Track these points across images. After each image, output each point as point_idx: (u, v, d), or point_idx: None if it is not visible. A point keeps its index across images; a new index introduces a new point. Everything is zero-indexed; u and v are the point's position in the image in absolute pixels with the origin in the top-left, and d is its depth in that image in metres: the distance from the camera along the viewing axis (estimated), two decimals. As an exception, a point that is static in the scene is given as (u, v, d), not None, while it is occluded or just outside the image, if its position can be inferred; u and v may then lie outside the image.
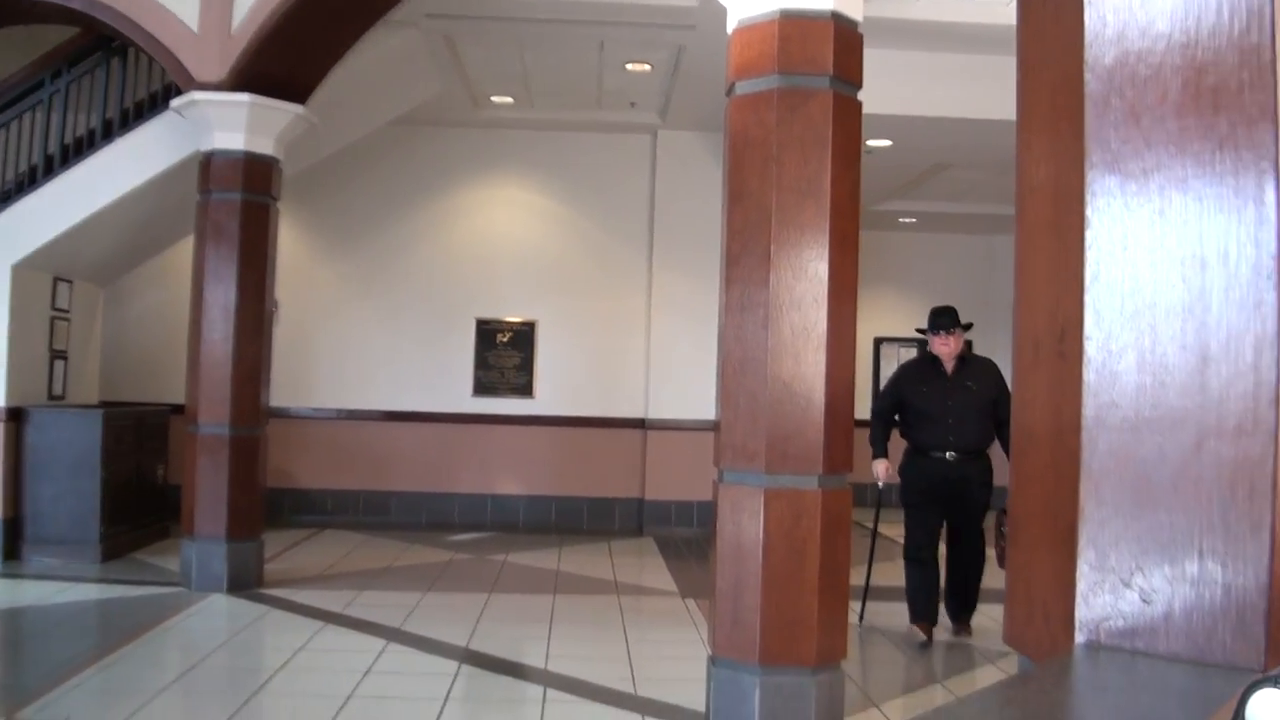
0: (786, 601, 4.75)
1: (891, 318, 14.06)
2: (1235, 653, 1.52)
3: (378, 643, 6.59)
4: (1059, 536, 1.74)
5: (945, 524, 7.09)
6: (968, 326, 7.14)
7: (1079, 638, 1.65)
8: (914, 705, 5.64)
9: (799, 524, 4.78)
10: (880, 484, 7.19)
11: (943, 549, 7.13)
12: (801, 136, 4.87)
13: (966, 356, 7.15)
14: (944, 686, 6.03)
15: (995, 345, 14.06)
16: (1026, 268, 1.93)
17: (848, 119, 4.99)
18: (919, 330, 7.37)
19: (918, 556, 7.01)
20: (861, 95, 5.13)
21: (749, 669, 4.76)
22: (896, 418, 7.25)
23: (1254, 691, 1.02)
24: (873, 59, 5.35)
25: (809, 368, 4.85)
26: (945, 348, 6.99)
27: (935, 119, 8.97)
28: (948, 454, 6.85)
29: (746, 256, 4.95)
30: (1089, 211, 1.67)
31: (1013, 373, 2.01)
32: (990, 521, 5.95)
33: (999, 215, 12.87)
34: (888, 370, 14.19)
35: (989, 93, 8.45)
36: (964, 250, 14.36)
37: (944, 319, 7.04)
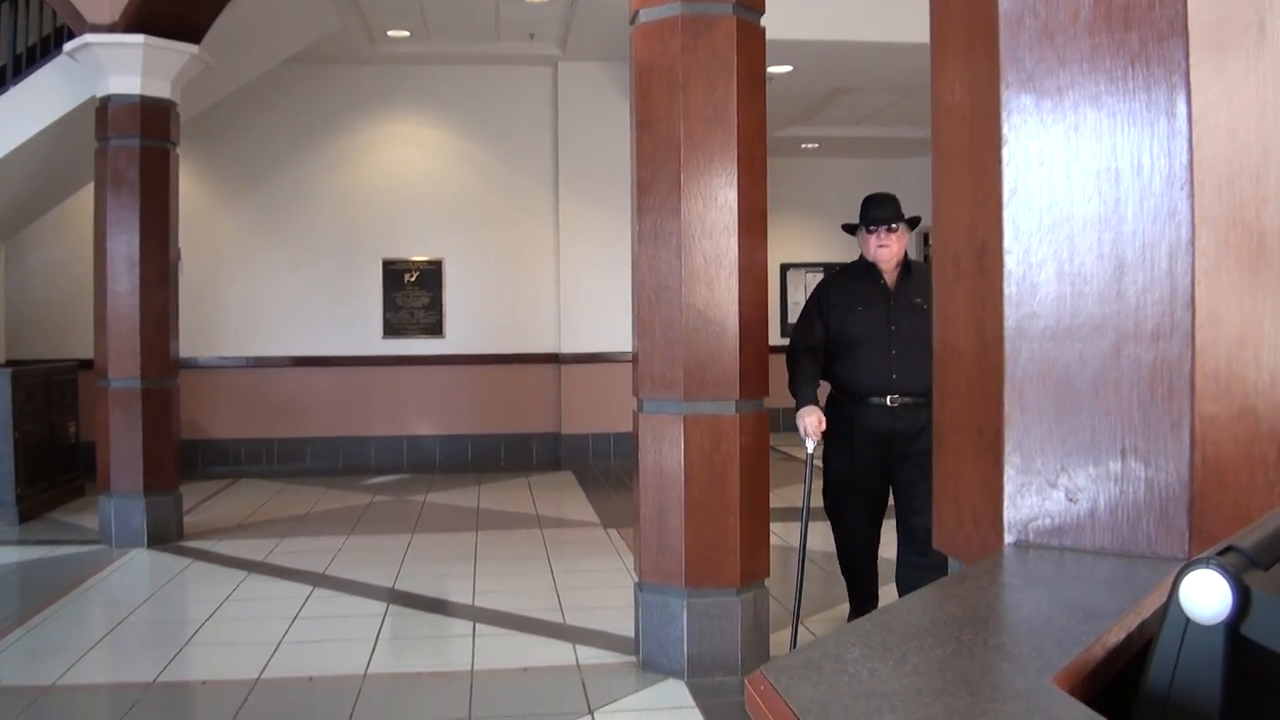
0: (709, 525, 4.83)
1: (798, 245, 14.20)
2: (1160, 543, 1.61)
3: (303, 589, 6.59)
4: (985, 445, 1.81)
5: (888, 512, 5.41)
6: (914, 222, 5.30)
7: (1008, 538, 1.72)
8: (840, 617, 5.78)
9: (718, 449, 4.86)
10: (810, 446, 5.17)
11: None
12: (707, 63, 4.88)
13: (909, 263, 5.30)
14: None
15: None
16: (944, 187, 1.98)
17: (751, 45, 5.01)
18: (846, 228, 5.50)
19: (851, 564, 5.45)
20: (764, 20, 5.15)
21: (675, 592, 4.85)
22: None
23: (1187, 573, 1.09)
24: (774, -16, 5.37)
25: (722, 295, 4.89)
26: (886, 250, 5.17)
27: (836, 43, 9.02)
28: (889, 399, 5.08)
29: (657, 185, 4.97)
30: (1005, 130, 1.72)
31: (934, 291, 2.06)
32: None
33: (903, 139, 13.01)
34: (796, 298, 14.34)
35: (890, 15, 8.53)
36: (868, 174, 14.43)
37: (883, 209, 5.22)
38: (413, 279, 11.66)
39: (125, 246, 7.81)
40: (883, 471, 5.21)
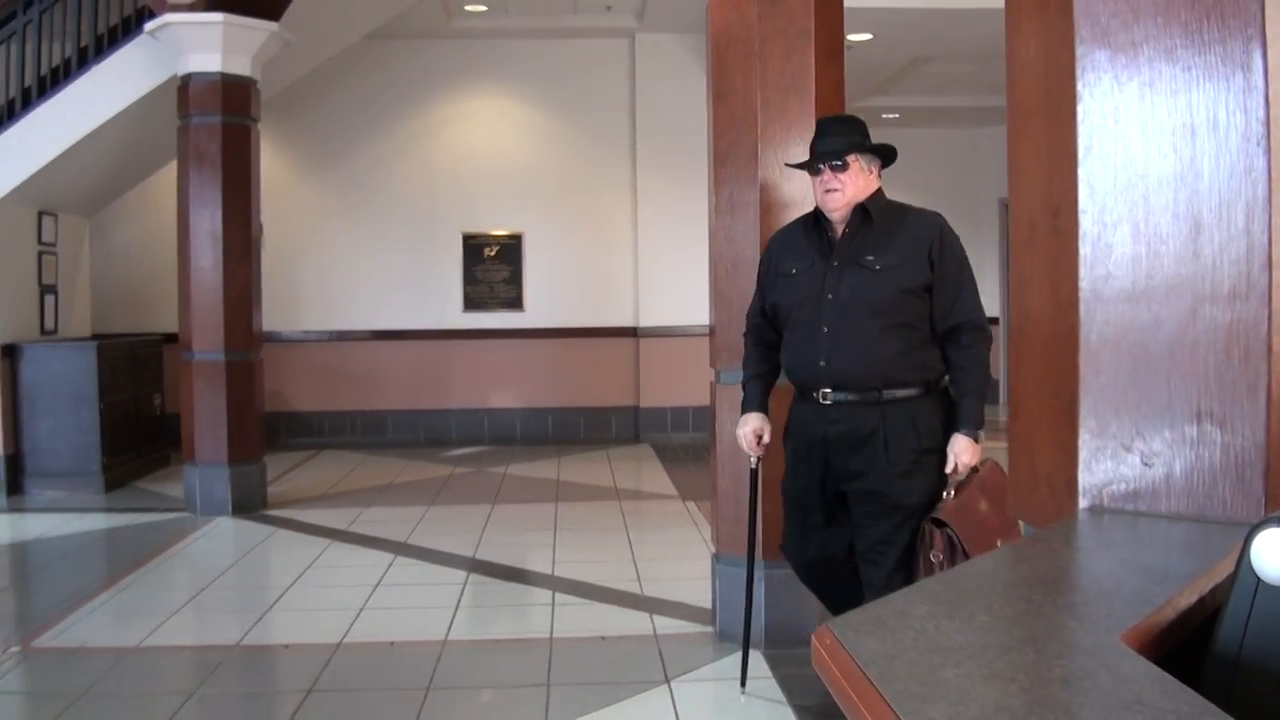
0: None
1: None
2: (1235, 508, 1.58)
3: (385, 557, 6.68)
4: (1060, 409, 1.79)
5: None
6: (881, 153, 3.82)
7: (1082, 503, 1.70)
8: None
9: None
10: (751, 461, 4.28)
11: None
12: (784, 31, 4.84)
13: (880, 208, 3.75)
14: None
15: (980, 241, 14.13)
16: (1019, 147, 1.96)
17: (830, 12, 4.96)
18: (791, 165, 4.23)
19: (811, 573, 4.06)
20: (841, -13, 5.10)
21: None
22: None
23: (1259, 531, 1.07)
24: (852, -50, 5.31)
25: (800, 265, 4.86)
26: (835, 195, 3.68)
27: (916, 9, 8.90)
28: (820, 395, 3.68)
29: (734, 156, 4.95)
30: (1080, 87, 1.70)
31: (1009, 254, 2.04)
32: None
33: (983, 107, 12.80)
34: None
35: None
36: (949, 144, 14.28)
37: (830, 139, 3.76)
38: (493, 253, 11.73)
39: (208, 222, 7.94)
40: (828, 498, 3.79)
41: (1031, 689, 1.02)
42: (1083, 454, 1.71)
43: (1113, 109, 1.66)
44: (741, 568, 4.59)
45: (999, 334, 14.07)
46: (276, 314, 11.12)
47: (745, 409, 4.09)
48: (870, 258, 3.63)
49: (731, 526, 4.91)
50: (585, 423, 11.77)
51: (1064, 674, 1.06)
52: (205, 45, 7.88)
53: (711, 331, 5.08)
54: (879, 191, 3.79)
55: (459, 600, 5.77)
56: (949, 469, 3.59)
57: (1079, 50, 1.69)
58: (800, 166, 3.94)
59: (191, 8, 7.79)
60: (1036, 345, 1.90)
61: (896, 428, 3.57)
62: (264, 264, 8.83)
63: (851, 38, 9.47)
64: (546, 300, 11.69)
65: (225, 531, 7.58)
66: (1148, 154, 1.63)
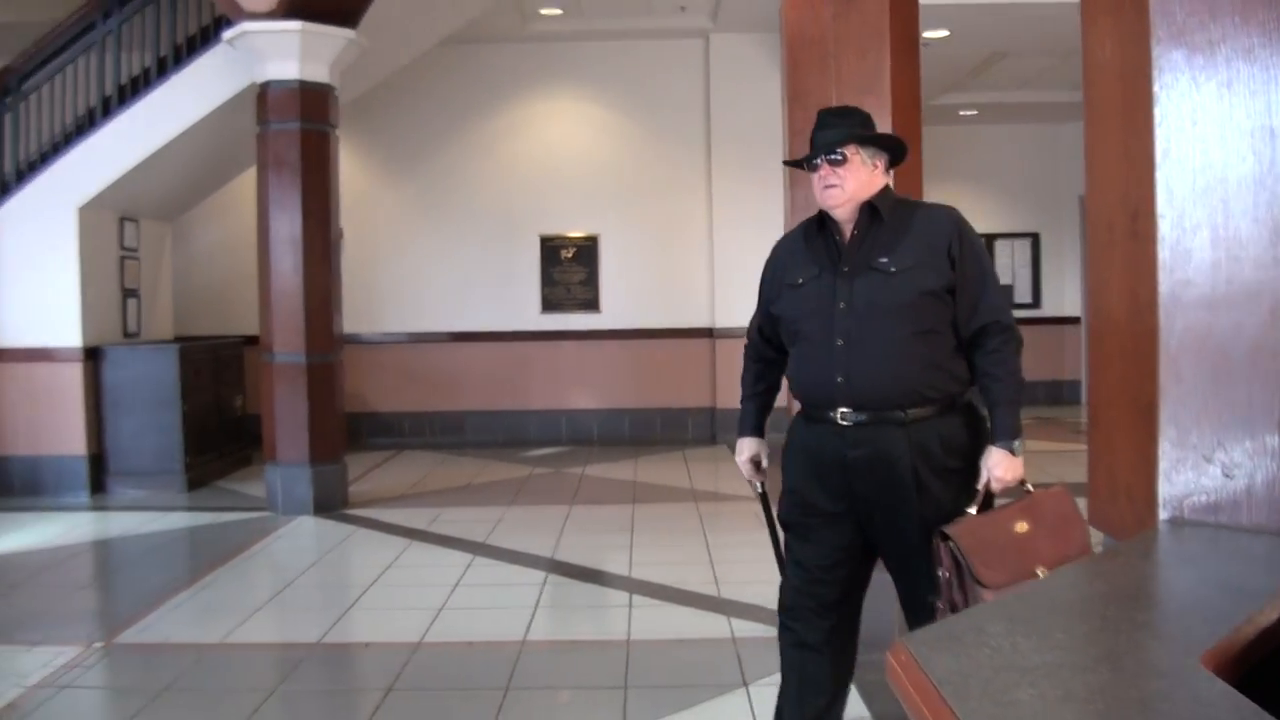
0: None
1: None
2: (1318, 520, 1.54)
3: (464, 557, 6.73)
4: (1139, 416, 1.76)
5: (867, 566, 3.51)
6: (889, 145, 3.39)
7: (1162, 514, 1.67)
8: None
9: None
10: (755, 485, 3.78)
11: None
12: (858, 31, 4.80)
13: (888, 204, 3.32)
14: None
15: (1064, 237, 13.93)
16: (1096, 149, 1.92)
17: (905, 11, 4.91)
18: (789, 163, 3.82)
19: (791, 628, 3.48)
20: (917, -16, 5.05)
21: None
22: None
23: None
24: (927, -53, 5.26)
25: (876, 265, 4.82)
26: (833, 191, 3.26)
27: (993, 4, 8.79)
28: (838, 414, 3.25)
29: (809, 158, 4.92)
30: (1156, 88, 1.67)
31: (1087, 257, 2.00)
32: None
33: (1063, 103, 12.62)
34: (955, 270, 14.07)
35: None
36: (1029, 141, 14.11)
37: (827, 131, 3.33)
38: (569, 255, 11.78)
39: (288, 227, 8.06)
40: (845, 526, 3.34)
41: (1108, 713, 1.01)
42: (1163, 464, 1.68)
43: (1190, 110, 1.63)
44: None
45: (1080, 335, 13.89)
46: (357, 316, 11.25)
47: (739, 434, 3.74)
48: (884, 259, 3.23)
49: None
50: (662, 423, 11.77)
51: (1141, 696, 1.04)
52: (283, 53, 7.99)
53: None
54: (887, 189, 3.38)
55: (537, 601, 5.80)
56: (980, 484, 3.18)
57: (1155, 50, 1.66)
58: (796, 164, 3.55)
59: (269, 16, 7.90)
60: (1115, 350, 1.87)
61: (922, 450, 3.19)
62: (344, 267, 8.94)
63: (927, 35, 9.37)
64: (623, 301, 11.71)
65: (306, 530, 7.68)
66: (1226, 157, 1.60)
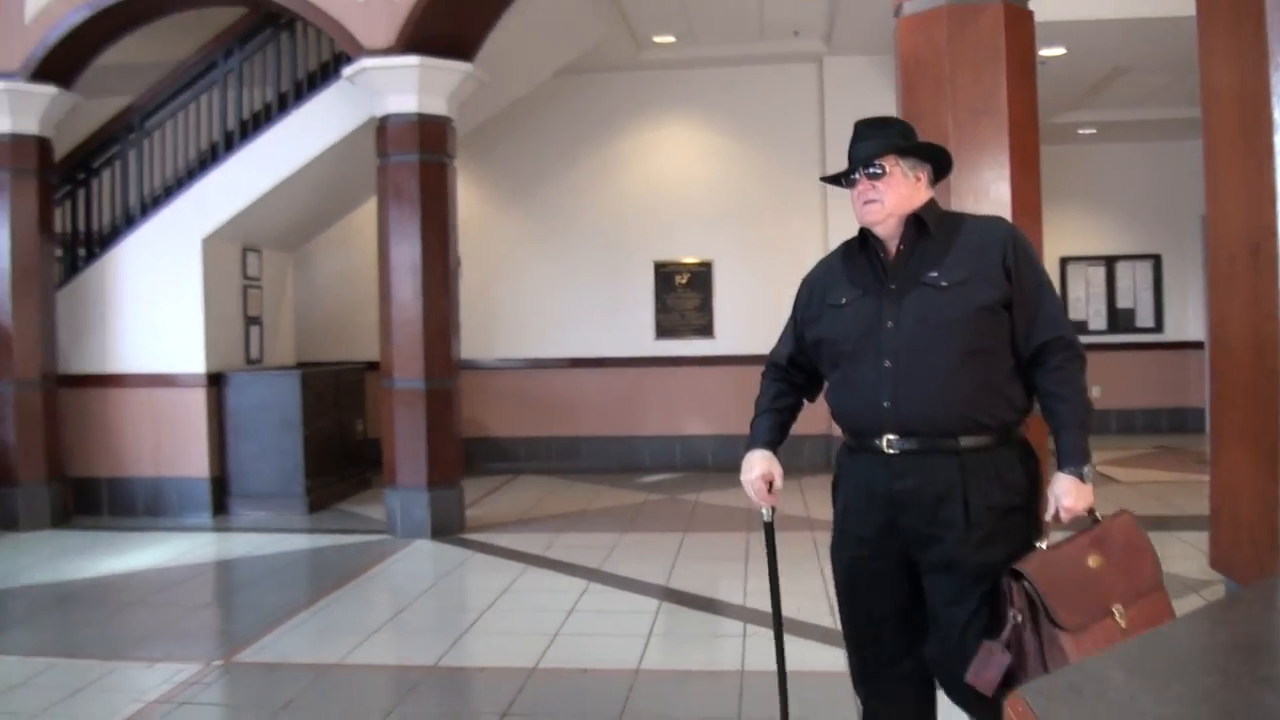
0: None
1: (1077, 236, 13.67)
2: None
3: (579, 583, 6.77)
4: (1262, 460, 1.71)
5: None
6: (932, 156, 3.20)
7: (1289, 558, 1.62)
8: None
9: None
10: (764, 513, 3.45)
11: None
12: (974, 53, 4.76)
13: (935, 217, 3.10)
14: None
15: (1186, 259, 13.57)
16: (1216, 177, 1.89)
17: (1020, 30, 4.86)
18: (826, 179, 3.51)
19: (865, 690, 3.24)
20: (1032, 3, 4.99)
21: None
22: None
23: None
24: (1043, -36, 5.19)
25: (995, 292, 4.76)
26: (873, 207, 3.11)
27: (1112, 21, 8.61)
28: (884, 442, 3.02)
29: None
30: (1277, 114, 1.63)
31: (1207, 288, 1.95)
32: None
33: (1184, 119, 12.32)
34: (1076, 292, 13.77)
35: (1166, -12, 8.11)
36: (1149, 159, 13.79)
37: (865, 143, 3.20)
38: (683, 280, 11.82)
39: (407, 256, 8.21)
40: (894, 564, 3.08)
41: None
42: (1290, 505, 1.63)
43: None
44: None
45: (1203, 360, 13.49)
46: (474, 342, 11.42)
47: (749, 447, 3.38)
48: (933, 273, 3.00)
49: None
50: (781, 450, 11.68)
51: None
52: (402, 87, 8.16)
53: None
54: (932, 202, 3.15)
55: (651, 629, 5.80)
56: (1048, 515, 2.93)
57: (1275, 76, 1.63)
58: (833, 180, 3.35)
59: (388, 52, 8.08)
60: (1237, 389, 1.83)
61: (978, 484, 2.92)
62: (462, 294, 9.09)
63: (1044, 53, 9.23)
64: (737, 327, 11.70)
65: (424, 554, 7.79)
66: (1358, 188, 1.55)
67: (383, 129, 8.29)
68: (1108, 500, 8.83)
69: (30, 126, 8.92)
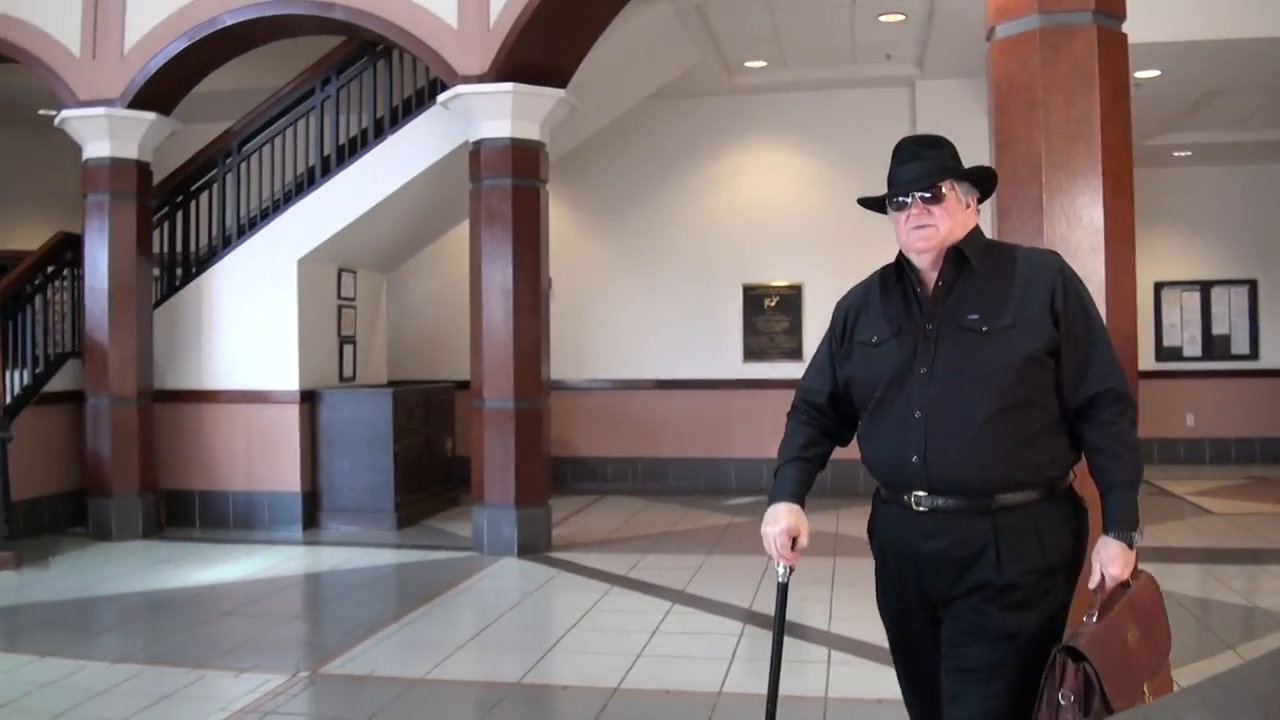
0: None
1: (1173, 261, 13.42)
2: None
3: (663, 604, 6.77)
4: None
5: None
6: (980, 179, 2.96)
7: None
8: (1205, 670, 5.41)
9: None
10: (780, 572, 3.06)
11: None
12: (1066, 77, 4.71)
13: (978, 249, 2.84)
14: (1235, 652, 5.70)
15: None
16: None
17: (1114, 53, 4.80)
18: (864, 202, 3.20)
19: None
20: (1126, 25, 4.94)
21: None
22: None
23: None
24: (1135, -16, 5.13)
25: (1088, 319, 4.70)
26: (925, 233, 2.82)
27: (1208, 42, 8.45)
28: (912, 498, 2.78)
29: (1018, 207, 4.84)
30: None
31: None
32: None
33: None
34: (1171, 319, 13.51)
35: (1266, 8, 7.95)
36: (1246, 182, 13.49)
37: (912, 165, 2.93)
38: (772, 304, 11.81)
39: (499, 278, 8.31)
40: (924, 623, 2.85)
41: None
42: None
43: None
44: None
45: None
46: (563, 363, 11.49)
47: (774, 499, 3.06)
48: (974, 316, 2.73)
49: None
50: (864, 475, 11.51)
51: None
52: (496, 113, 8.29)
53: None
54: (977, 230, 2.89)
55: (734, 652, 5.79)
56: (1092, 584, 2.69)
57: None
58: (873, 203, 3.09)
59: (482, 79, 8.21)
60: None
61: (1013, 543, 2.66)
62: (552, 315, 9.16)
63: (1139, 75, 9.10)
64: (826, 350, 11.64)
65: (510, 571, 7.86)
66: None
67: (476, 154, 8.41)
68: (1199, 532, 8.66)
69: (130, 151, 9.23)
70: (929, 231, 2.80)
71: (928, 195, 2.82)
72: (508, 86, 8.18)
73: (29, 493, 9.00)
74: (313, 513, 9.50)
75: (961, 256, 2.80)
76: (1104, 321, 2.76)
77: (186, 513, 9.62)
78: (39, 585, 7.52)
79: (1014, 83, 4.85)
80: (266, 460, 9.44)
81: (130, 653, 5.83)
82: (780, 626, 3.13)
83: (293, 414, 9.36)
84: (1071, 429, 2.75)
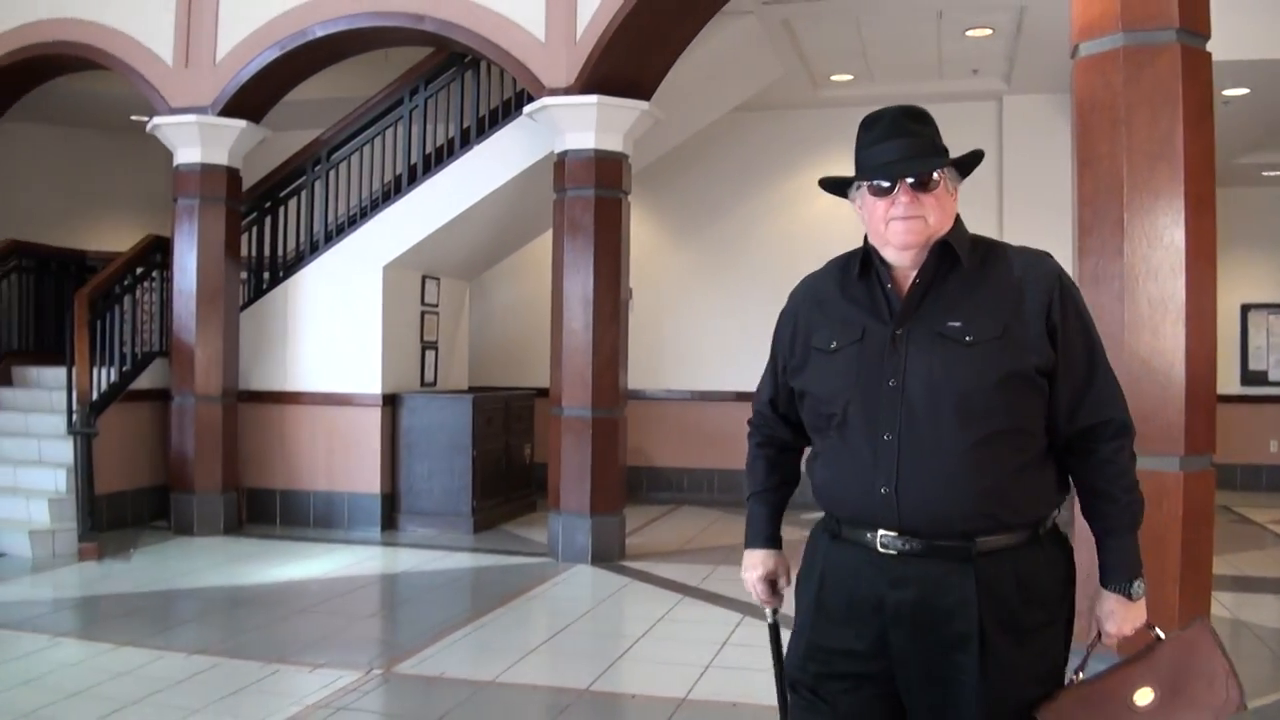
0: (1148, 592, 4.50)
1: (1260, 282, 13.08)
2: None
3: (734, 616, 6.77)
4: None
5: None
6: (964, 163, 2.50)
7: None
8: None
9: (1159, 509, 4.53)
10: (767, 613, 2.91)
11: None
12: (1150, 96, 4.70)
13: (964, 244, 2.40)
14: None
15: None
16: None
17: (1198, 73, 4.77)
18: (827, 184, 2.74)
19: None
20: (1211, 43, 4.89)
21: (1104, 660, 4.53)
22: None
23: None
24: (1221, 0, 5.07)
25: (1167, 342, 4.67)
26: (911, 226, 2.35)
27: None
28: (877, 537, 2.32)
29: (1099, 225, 4.83)
30: None
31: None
32: None
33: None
34: (1257, 341, 13.21)
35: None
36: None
37: (900, 144, 2.42)
38: (852, 317, 11.76)
39: (580, 287, 8.39)
40: (877, 698, 2.38)
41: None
42: None
43: None
44: (1096, 662, 4.29)
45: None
46: (641, 373, 11.55)
47: (749, 543, 2.80)
48: (956, 323, 2.28)
49: (1087, 617, 4.64)
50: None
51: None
52: (581, 125, 8.38)
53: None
54: (959, 221, 2.44)
55: (802, 665, 5.78)
56: (1089, 642, 2.41)
57: None
58: (837, 188, 2.61)
59: (567, 91, 8.30)
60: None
61: (999, 598, 2.24)
62: (631, 325, 9.22)
63: (1226, 93, 8.95)
64: (906, 366, 11.57)
65: (583, 579, 7.91)
66: None
67: (560, 164, 8.51)
68: (1276, 565, 8.44)
69: (220, 158, 9.46)
70: (917, 225, 2.34)
71: (919, 182, 2.36)
72: (593, 99, 8.27)
73: (113, 487, 9.23)
74: (391, 514, 9.65)
75: (948, 251, 2.36)
76: (1103, 341, 2.43)
77: (267, 511, 9.82)
78: (120, 576, 7.72)
79: (1097, 101, 4.84)
80: (347, 462, 9.61)
81: (207, 645, 5.96)
82: (779, 665, 2.77)
83: (374, 417, 9.52)
84: (1059, 460, 2.38)
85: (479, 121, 9.51)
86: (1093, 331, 2.38)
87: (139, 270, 9.95)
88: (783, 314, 2.71)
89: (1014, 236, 10.80)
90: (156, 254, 10.02)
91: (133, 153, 12.18)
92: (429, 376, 10.34)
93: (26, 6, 9.62)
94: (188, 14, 9.36)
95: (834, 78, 11.08)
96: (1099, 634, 2.39)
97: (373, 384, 9.52)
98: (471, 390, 10.84)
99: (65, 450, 8.83)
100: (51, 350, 10.68)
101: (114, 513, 9.29)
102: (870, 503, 2.30)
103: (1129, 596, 2.35)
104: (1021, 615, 2.26)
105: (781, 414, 2.70)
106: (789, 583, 2.72)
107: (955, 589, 2.24)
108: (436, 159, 9.59)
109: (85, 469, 8.42)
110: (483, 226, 9.92)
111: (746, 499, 2.82)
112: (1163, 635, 2.35)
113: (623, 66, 8.33)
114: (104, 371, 9.30)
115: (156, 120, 9.43)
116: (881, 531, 2.30)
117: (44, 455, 9.16)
